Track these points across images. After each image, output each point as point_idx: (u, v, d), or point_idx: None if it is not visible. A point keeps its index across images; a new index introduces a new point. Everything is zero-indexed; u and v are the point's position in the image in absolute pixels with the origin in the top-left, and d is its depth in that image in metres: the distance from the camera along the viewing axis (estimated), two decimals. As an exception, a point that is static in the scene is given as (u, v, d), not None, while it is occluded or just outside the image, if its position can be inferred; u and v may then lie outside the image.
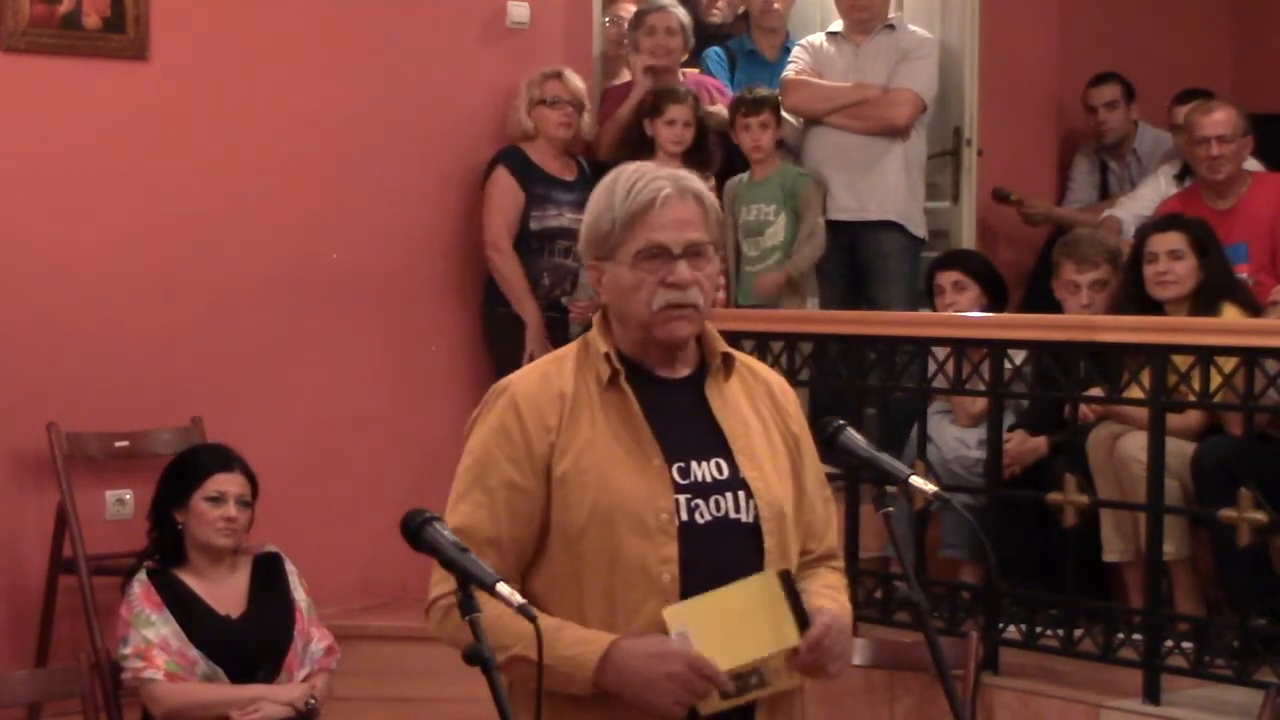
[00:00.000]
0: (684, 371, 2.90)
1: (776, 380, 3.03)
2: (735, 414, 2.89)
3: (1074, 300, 5.61)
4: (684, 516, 2.79)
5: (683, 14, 6.64)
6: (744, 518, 2.83)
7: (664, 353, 2.88)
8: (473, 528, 2.78)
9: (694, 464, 2.82)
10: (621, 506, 2.76)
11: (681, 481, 2.80)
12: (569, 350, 2.92)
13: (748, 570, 2.78)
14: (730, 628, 2.68)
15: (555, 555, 2.80)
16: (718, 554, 2.79)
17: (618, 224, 2.81)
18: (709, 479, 2.82)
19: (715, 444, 2.86)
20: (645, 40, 6.52)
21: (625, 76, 6.82)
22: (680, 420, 2.85)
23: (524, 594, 2.73)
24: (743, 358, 2.99)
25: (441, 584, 2.78)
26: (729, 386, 2.91)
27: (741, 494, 2.83)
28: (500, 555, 2.78)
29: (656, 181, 2.81)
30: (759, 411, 2.93)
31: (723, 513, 2.81)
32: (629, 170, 2.86)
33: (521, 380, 2.88)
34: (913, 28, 6.64)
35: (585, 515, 2.77)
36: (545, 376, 2.86)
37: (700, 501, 2.80)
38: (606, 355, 2.83)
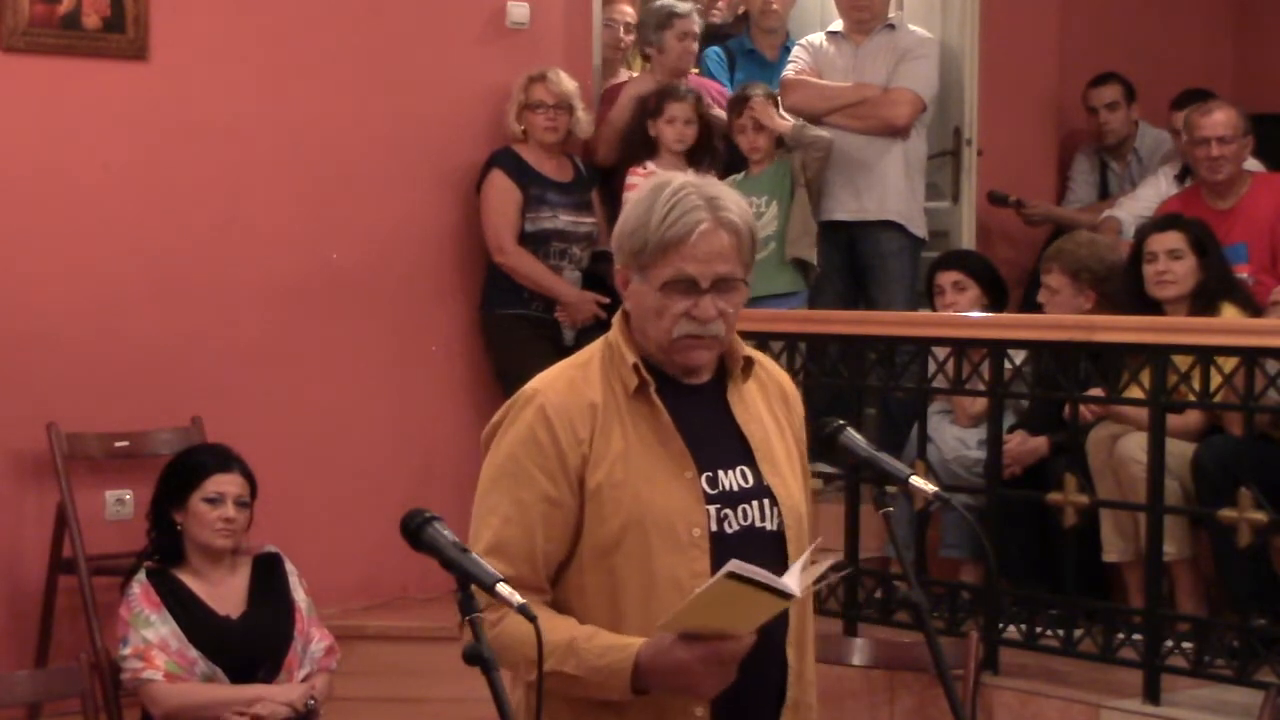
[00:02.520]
0: (706, 377, 2.88)
1: (785, 379, 3.02)
2: (756, 419, 2.88)
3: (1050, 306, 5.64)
4: (713, 527, 2.78)
5: (699, 18, 6.67)
6: (769, 526, 2.82)
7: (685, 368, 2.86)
8: (507, 543, 2.75)
9: (721, 473, 2.81)
10: (655, 520, 2.74)
11: (711, 492, 2.79)
12: (593, 353, 2.87)
13: None
14: (723, 614, 2.65)
15: (586, 566, 2.77)
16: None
17: (650, 246, 2.76)
18: (736, 488, 2.81)
19: (739, 451, 2.84)
20: (675, 44, 6.51)
21: (623, 76, 6.81)
22: (706, 428, 2.83)
23: (553, 603, 2.76)
24: (758, 356, 2.97)
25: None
26: (748, 389, 2.90)
27: (766, 502, 2.83)
28: (533, 569, 2.76)
29: (695, 213, 2.75)
30: (774, 414, 2.93)
31: (749, 521, 2.81)
32: (672, 188, 2.79)
33: (549, 388, 2.81)
34: (913, 27, 6.64)
35: (618, 528, 2.75)
36: (573, 384, 2.81)
37: (729, 511, 2.80)
38: (635, 366, 2.80)
